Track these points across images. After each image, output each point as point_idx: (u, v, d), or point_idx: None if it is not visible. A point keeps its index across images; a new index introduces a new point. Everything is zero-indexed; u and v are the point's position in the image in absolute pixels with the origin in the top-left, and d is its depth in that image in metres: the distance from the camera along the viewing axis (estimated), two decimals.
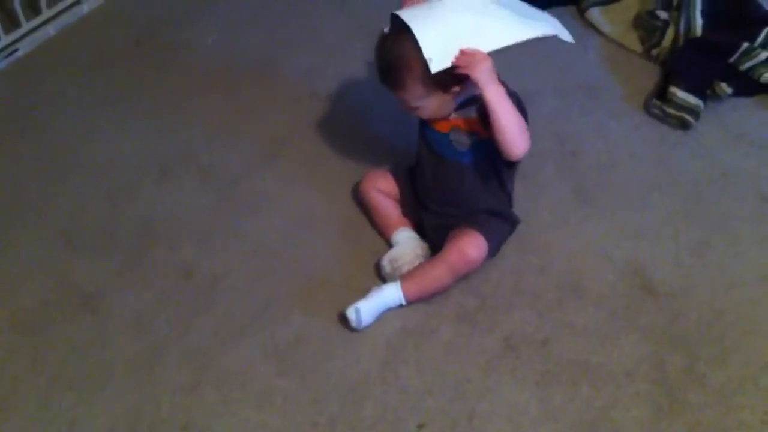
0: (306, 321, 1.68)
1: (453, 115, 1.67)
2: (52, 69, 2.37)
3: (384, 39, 1.61)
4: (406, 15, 1.55)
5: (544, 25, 1.65)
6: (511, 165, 1.72)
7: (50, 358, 1.65)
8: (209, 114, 2.19)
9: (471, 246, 1.67)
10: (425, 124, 1.72)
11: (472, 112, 1.65)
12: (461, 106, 1.66)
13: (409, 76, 1.57)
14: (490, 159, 1.69)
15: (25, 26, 2.38)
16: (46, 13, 2.43)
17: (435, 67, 1.52)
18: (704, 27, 2.23)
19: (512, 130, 1.58)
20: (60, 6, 2.47)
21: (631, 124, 2.11)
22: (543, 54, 2.34)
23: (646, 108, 2.14)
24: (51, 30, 2.45)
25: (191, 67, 2.36)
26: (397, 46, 1.56)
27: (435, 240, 1.77)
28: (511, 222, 1.79)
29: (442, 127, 1.68)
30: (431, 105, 1.63)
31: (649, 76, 2.25)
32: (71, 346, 1.67)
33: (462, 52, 1.53)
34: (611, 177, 1.97)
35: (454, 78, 1.57)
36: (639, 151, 2.04)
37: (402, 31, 1.54)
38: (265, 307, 1.71)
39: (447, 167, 1.72)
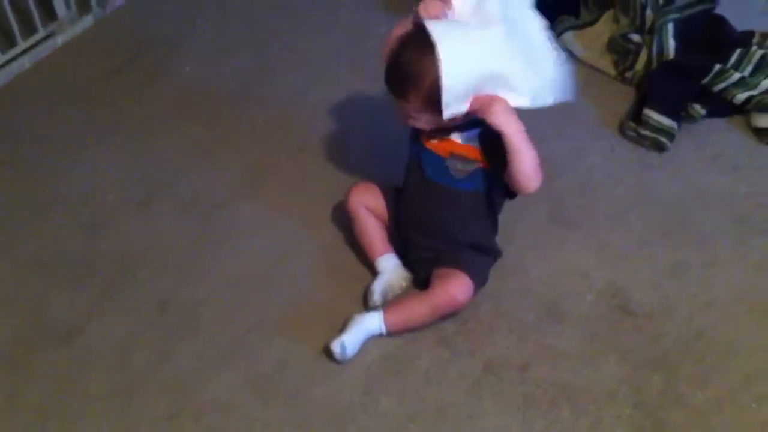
0: (287, 349, 1.67)
1: (455, 137, 1.63)
2: (27, 102, 2.35)
3: (406, 45, 1.55)
4: (438, 34, 1.48)
5: (558, 88, 1.63)
6: (511, 196, 1.71)
7: (28, 391, 1.63)
8: (189, 143, 2.19)
9: (459, 289, 1.66)
10: (421, 146, 1.68)
11: (473, 137, 1.63)
12: (461, 128, 1.63)
13: (415, 91, 1.53)
14: (487, 189, 1.68)
15: (0, 58, 2.37)
16: (21, 45, 2.42)
17: (448, 114, 1.51)
18: (677, 49, 2.26)
19: (530, 170, 1.59)
20: (35, 38, 2.46)
21: (607, 146, 2.13)
22: None
23: (621, 130, 2.16)
24: (26, 62, 2.44)
25: (170, 96, 2.36)
26: (416, 60, 1.51)
27: (418, 271, 1.77)
28: (495, 255, 1.79)
29: (440, 150, 1.65)
30: (426, 119, 1.59)
31: (623, 98, 2.27)
32: (49, 378, 1.65)
33: (476, 98, 1.51)
34: (588, 199, 1.99)
35: None
36: (615, 172, 2.05)
37: (426, 46, 1.48)
38: (246, 335, 1.70)
39: (439, 194, 1.68)
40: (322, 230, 1.92)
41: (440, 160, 1.66)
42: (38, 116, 2.30)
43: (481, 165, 1.64)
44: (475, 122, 1.61)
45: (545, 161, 2.06)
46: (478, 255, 1.73)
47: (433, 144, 1.66)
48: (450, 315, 1.70)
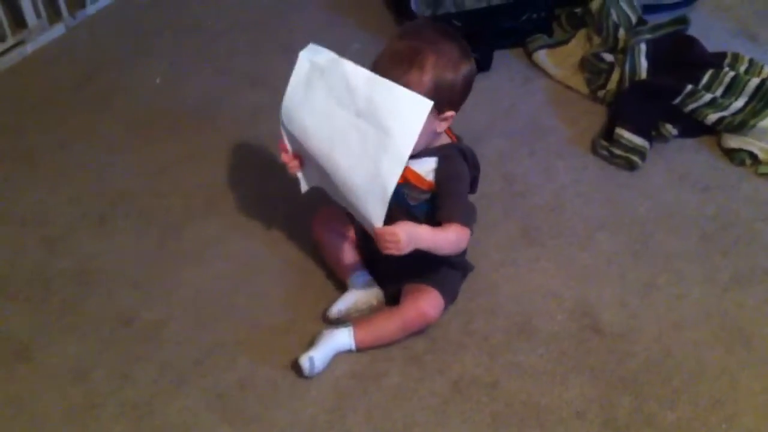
0: (251, 367, 1.64)
1: (411, 164, 1.60)
2: None
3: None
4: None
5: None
6: None
7: None
8: (150, 158, 2.15)
9: (429, 305, 1.65)
10: None
11: (429, 170, 1.62)
12: (417, 156, 1.60)
13: (418, 83, 1.50)
14: None
15: None
16: None
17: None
18: (649, 69, 2.27)
19: (452, 250, 1.63)
20: (3, 46, 2.42)
21: (579, 164, 2.13)
22: (490, 95, 2.36)
23: (593, 149, 2.16)
24: None
25: (132, 111, 2.32)
26: (417, 53, 1.52)
27: (388, 287, 1.75)
28: (465, 271, 1.78)
29: None
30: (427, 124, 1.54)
31: (595, 117, 2.27)
32: (4, 397, 1.60)
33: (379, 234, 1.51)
34: (559, 217, 1.98)
35: (452, 102, 1.57)
36: (586, 191, 2.05)
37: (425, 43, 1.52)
38: (208, 354, 1.67)
39: (398, 216, 1.63)
40: (285, 248, 1.89)
41: (396, 185, 1.63)
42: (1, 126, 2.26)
43: (434, 192, 1.64)
44: (432, 151, 1.62)
45: (516, 178, 2.08)
46: (448, 270, 1.72)
47: None
48: (420, 331, 1.68)
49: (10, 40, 2.44)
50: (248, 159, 2.14)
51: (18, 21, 2.49)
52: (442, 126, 1.60)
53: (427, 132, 1.56)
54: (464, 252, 1.76)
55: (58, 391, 1.61)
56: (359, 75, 1.50)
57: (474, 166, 1.69)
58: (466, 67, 1.59)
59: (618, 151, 2.11)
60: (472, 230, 1.65)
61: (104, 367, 1.65)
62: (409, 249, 1.52)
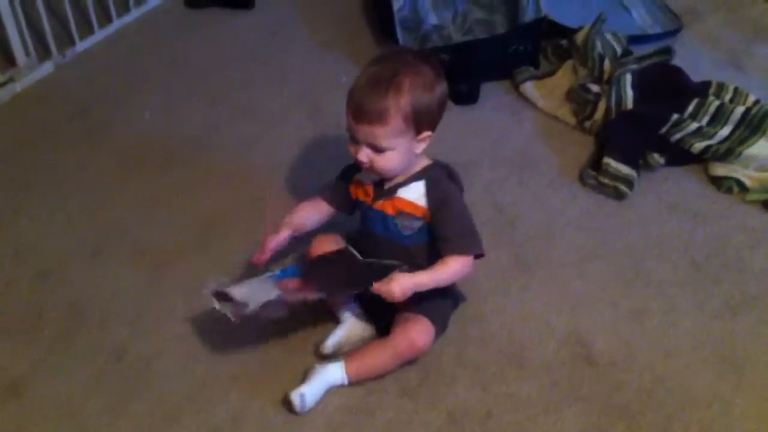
0: (244, 402, 1.63)
1: (402, 194, 1.63)
2: None
3: (379, 65, 1.57)
4: None
5: None
6: None
7: None
8: (142, 192, 2.15)
9: (420, 334, 1.64)
10: (365, 206, 1.69)
11: (421, 195, 1.63)
12: (405, 183, 1.63)
13: (396, 105, 1.52)
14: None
15: None
16: None
17: None
18: (635, 99, 2.29)
19: (455, 279, 1.67)
20: None
21: (568, 194, 2.15)
22: (478, 126, 2.38)
23: (581, 178, 2.17)
24: None
25: (124, 144, 2.32)
26: (393, 72, 1.53)
27: (379, 318, 1.74)
28: (456, 300, 1.78)
29: (388, 209, 1.65)
30: (401, 150, 1.57)
31: (583, 147, 2.29)
32: None
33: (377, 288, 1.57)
34: (549, 246, 1.99)
35: (430, 123, 1.58)
36: (576, 220, 2.06)
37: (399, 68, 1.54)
38: (201, 389, 1.66)
39: (390, 248, 1.67)
40: None
41: (388, 218, 1.66)
42: None
43: (427, 220, 1.64)
44: (417, 175, 1.63)
45: (506, 207, 2.09)
46: (439, 300, 1.71)
47: (380, 204, 1.66)
48: (412, 361, 1.67)
49: (0, 78, 2.45)
50: (241, 191, 2.14)
51: (7, 58, 2.50)
52: (420, 147, 1.61)
53: (407, 155, 1.59)
54: (454, 282, 1.77)
55: (49, 427, 1.60)
56: None
57: (459, 186, 1.71)
58: (441, 88, 1.60)
59: (606, 180, 2.12)
60: (479, 250, 1.65)
61: (96, 402, 1.64)
62: (406, 296, 1.57)
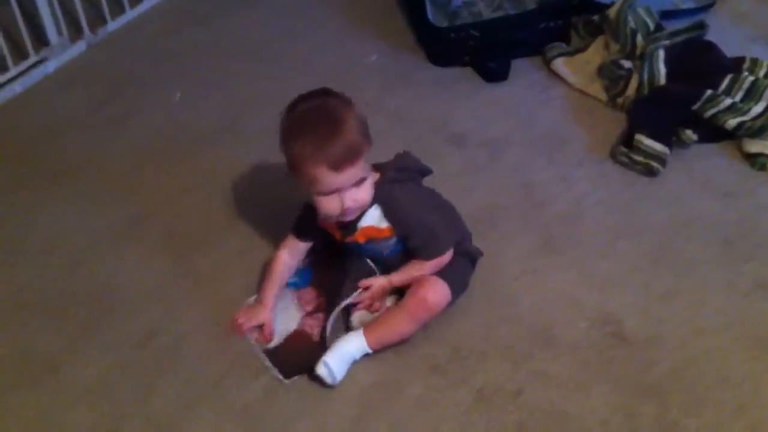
0: (273, 381, 1.65)
1: (363, 224, 1.65)
2: (12, 131, 2.34)
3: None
4: None
5: None
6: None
7: (7, 428, 1.60)
8: (169, 179, 2.16)
9: (432, 292, 1.66)
10: (337, 240, 1.71)
11: (378, 217, 1.65)
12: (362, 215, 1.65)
13: (357, 136, 1.54)
14: None
15: None
16: (12, 71, 2.42)
17: None
18: (667, 75, 2.27)
19: (431, 270, 1.69)
20: (25, 64, 2.46)
21: (597, 172, 2.13)
22: (508, 104, 2.37)
23: (613, 155, 2.16)
24: (17, 88, 2.43)
25: (152, 130, 2.33)
26: (330, 114, 1.55)
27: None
28: (472, 257, 1.78)
29: (357, 239, 1.67)
30: (368, 186, 1.59)
31: (614, 124, 2.27)
32: (28, 414, 1.62)
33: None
34: (579, 226, 1.98)
35: (368, 139, 1.59)
36: (605, 199, 2.05)
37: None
38: (231, 368, 1.68)
39: (378, 260, 1.73)
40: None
41: (363, 246, 1.69)
42: (15, 150, 2.28)
43: (396, 234, 1.67)
44: (376, 202, 1.63)
45: (535, 187, 2.08)
46: (454, 258, 1.72)
47: (350, 238, 1.68)
48: (429, 319, 1.68)
49: (33, 58, 2.47)
50: (267, 179, 2.14)
51: (40, 38, 2.52)
52: (367, 167, 1.60)
53: (366, 186, 1.60)
54: (469, 238, 1.79)
55: (82, 408, 1.62)
56: None
57: (414, 173, 1.72)
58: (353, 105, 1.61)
59: (638, 158, 2.11)
60: (444, 251, 1.69)
61: (127, 383, 1.67)
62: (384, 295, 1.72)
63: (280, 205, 2.02)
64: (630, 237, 1.94)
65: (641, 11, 2.47)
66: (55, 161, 2.23)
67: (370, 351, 1.65)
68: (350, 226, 1.66)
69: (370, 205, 1.63)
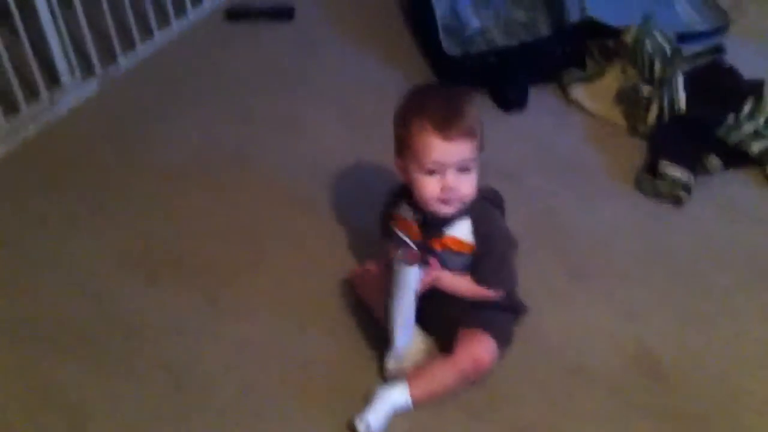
0: (307, 425, 1.61)
1: (448, 232, 1.60)
2: (29, 170, 2.29)
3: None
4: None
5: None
6: None
7: None
8: (190, 208, 2.13)
9: (484, 351, 1.61)
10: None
11: (467, 231, 1.60)
12: (451, 221, 1.60)
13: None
14: None
15: (4, 126, 2.33)
16: (25, 111, 2.39)
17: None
18: (688, 101, 2.25)
19: (479, 296, 1.64)
20: (38, 105, 2.43)
21: (622, 200, 2.11)
22: (527, 132, 2.35)
23: (638, 184, 2.13)
24: (31, 129, 2.40)
25: (169, 164, 2.28)
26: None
27: (438, 333, 1.71)
28: (517, 313, 1.74)
29: (432, 245, 1.61)
30: (472, 179, 1.55)
31: (635, 151, 2.25)
32: None
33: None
34: (606, 255, 1.95)
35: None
36: (631, 227, 2.03)
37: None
38: (262, 410, 1.63)
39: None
40: (332, 298, 1.85)
41: (435, 254, 1.62)
42: (36, 188, 2.22)
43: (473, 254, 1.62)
44: (463, 211, 1.59)
45: (559, 215, 2.05)
46: (500, 313, 1.69)
47: (426, 239, 1.62)
48: (476, 379, 1.64)
49: (45, 98, 2.44)
50: (291, 208, 2.11)
51: (52, 78, 2.49)
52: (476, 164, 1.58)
53: (471, 178, 1.56)
54: (514, 291, 1.74)
55: None
56: None
57: (502, 210, 1.69)
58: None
59: (663, 187, 2.08)
60: (505, 290, 1.66)
61: (156, 423, 1.62)
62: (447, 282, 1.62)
63: (305, 235, 2.01)
64: (660, 265, 1.92)
65: (658, 35, 2.45)
66: (73, 196, 2.18)
67: (411, 407, 1.60)
68: (436, 229, 1.61)
69: (463, 216, 1.59)
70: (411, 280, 1.55)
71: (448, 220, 1.59)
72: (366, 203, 1.98)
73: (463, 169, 1.53)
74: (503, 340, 1.67)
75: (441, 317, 1.69)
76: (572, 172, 2.21)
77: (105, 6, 2.57)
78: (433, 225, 1.61)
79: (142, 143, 2.37)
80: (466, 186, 1.54)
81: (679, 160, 2.10)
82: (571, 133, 2.35)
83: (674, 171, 2.08)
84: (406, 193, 1.63)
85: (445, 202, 1.55)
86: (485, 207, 1.62)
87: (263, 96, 2.56)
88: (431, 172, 1.53)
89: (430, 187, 1.54)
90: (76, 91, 2.53)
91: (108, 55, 2.64)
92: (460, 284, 1.63)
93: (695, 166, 2.11)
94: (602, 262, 1.94)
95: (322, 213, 2.09)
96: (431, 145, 1.50)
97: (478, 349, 1.61)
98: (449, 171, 1.52)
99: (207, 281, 1.93)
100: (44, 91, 2.44)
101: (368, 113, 2.43)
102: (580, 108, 2.43)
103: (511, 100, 2.44)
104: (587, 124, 2.38)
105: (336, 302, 1.85)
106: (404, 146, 1.56)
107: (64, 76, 2.50)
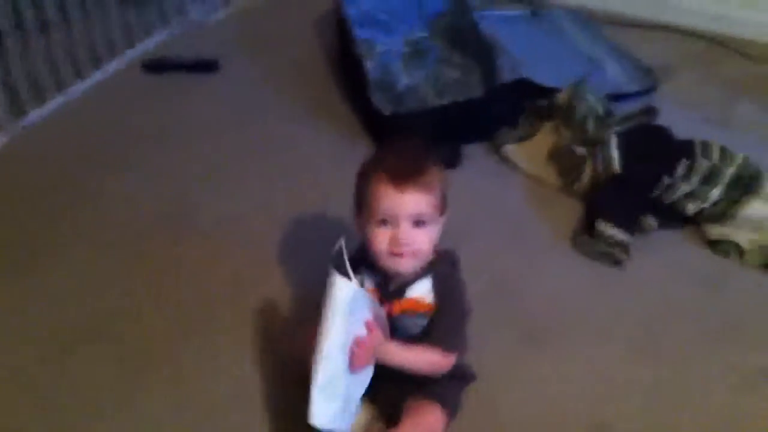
0: None
1: (409, 294, 1.52)
2: None
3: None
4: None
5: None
6: None
7: None
8: (122, 278, 1.97)
9: (435, 423, 1.52)
10: None
11: (427, 289, 1.52)
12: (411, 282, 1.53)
13: (437, 175, 1.50)
14: None
15: None
16: None
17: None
18: (621, 161, 2.24)
19: (432, 368, 1.53)
20: None
21: (566, 260, 2.07)
22: (464, 192, 2.23)
23: (575, 245, 2.10)
24: None
25: (91, 227, 2.13)
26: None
27: (383, 402, 1.60)
28: (466, 380, 1.66)
29: (391, 310, 1.53)
30: (435, 229, 1.51)
31: (572, 210, 2.22)
32: None
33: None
34: (555, 318, 1.89)
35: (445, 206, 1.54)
36: (579, 288, 1.98)
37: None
38: None
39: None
40: (267, 367, 1.75)
41: (392, 319, 1.53)
42: None
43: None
44: (424, 271, 1.52)
45: (506, 279, 1.99)
46: (448, 381, 1.59)
47: (386, 303, 1.53)
48: None
49: None
50: (224, 274, 1.99)
51: None
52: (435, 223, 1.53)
53: (435, 239, 1.52)
54: (463, 358, 1.65)
55: None
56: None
57: (456, 267, 1.62)
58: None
59: (601, 247, 2.05)
60: (459, 353, 1.56)
61: None
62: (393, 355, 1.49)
63: (240, 302, 1.87)
64: (610, 328, 1.86)
65: (590, 98, 2.45)
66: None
67: None
68: (394, 293, 1.53)
69: (423, 276, 1.52)
70: (346, 298, 1.41)
71: (408, 282, 1.52)
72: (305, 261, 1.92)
73: (417, 222, 1.47)
74: (451, 409, 1.58)
75: (385, 386, 1.58)
76: (514, 233, 2.16)
77: (15, 56, 2.42)
78: (392, 288, 1.53)
79: (58, 207, 2.20)
80: (421, 240, 1.48)
81: (615, 219, 2.08)
82: (509, 192, 2.31)
83: (612, 232, 2.06)
84: (362, 256, 1.54)
85: (397, 255, 1.48)
86: (447, 269, 1.56)
87: (194, 154, 2.42)
88: (384, 223, 1.47)
89: (380, 238, 1.48)
90: None
91: (17, 108, 2.47)
92: (409, 355, 1.52)
93: (632, 225, 2.10)
94: (553, 325, 1.87)
95: (258, 279, 1.97)
96: (384, 195, 1.46)
97: (428, 419, 1.52)
98: (402, 223, 1.46)
99: (134, 355, 1.78)
100: None
101: (307, 174, 2.34)
102: (515, 167, 2.40)
103: (444, 158, 2.37)
104: (524, 184, 2.34)
105: (274, 368, 1.73)
106: (361, 200, 1.51)
107: None
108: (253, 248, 2.06)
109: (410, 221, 1.47)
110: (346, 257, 1.43)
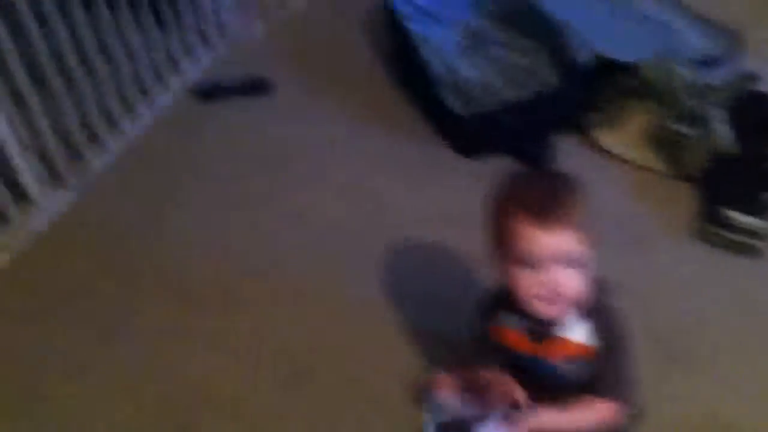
0: None
1: (568, 335, 1.36)
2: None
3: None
4: None
5: None
6: None
7: None
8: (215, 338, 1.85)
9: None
10: (519, 355, 1.41)
11: (589, 331, 1.36)
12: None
13: (581, 211, 1.31)
14: None
15: None
16: None
17: None
18: (731, 136, 2.07)
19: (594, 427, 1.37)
20: (10, 227, 2.11)
21: (689, 254, 1.92)
22: None
23: (702, 236, 1.94)
24: (5, 256, 2.09)
25: (173, 279, 1.99)
26: (568, 182, 1.35)
27: None
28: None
29: (549, 356, 1.38)
30: (581, 275, 1.31)
31: (682, 196, 2.07)
32: None
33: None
34: (695, 327, 1.75)
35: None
36: (711, 287, 1.83)
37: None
38: None
39: (554, 391, 1.40)
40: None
41: (554, 367, 1.38)
42: (18, 321, 1.91)
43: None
44: (583, 313, 1.36)
45: (631, 286, 1.82)
46: None
47: (539, 348, 1.38)
48: None
49: (17, 221, 2.13)
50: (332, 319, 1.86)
51: (20, 193, 2.17)
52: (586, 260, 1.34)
53: (580, 274, 1.32)
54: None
55: None
56: None
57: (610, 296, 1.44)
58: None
59: (733, 236, 1.89)
60: (631, 403, 1.39)
61: None
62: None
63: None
64: (758, 332, 1.72)
65: (679, 68, 2.26)
66: (70, 334, 1.87)
67: None
68: (546, 336, 1.37)
69: (581, 318, 1.35)
70: None
71: (563, 324, 1.36)
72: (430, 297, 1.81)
73: (566, 263, 1.29)
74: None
75: None
76: (624, 228, 2.00)
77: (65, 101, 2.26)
78: (544, 331, 1.37)
79: (130, 263, 2.05)
80: (571, 283, 1.30)
81: (742, 205, 1.93)
82: (611, 185, 2.15)
83: (742, 218, 1.91)
84: (505, 298, 1.38)
85: (546, 300, 1.32)
86: (605, 306, 1.39)
87: (259, 185, 2.26)
88: (527, 266, 1.30)
89: (524, 282, 1.31)
90: (48, 204, 2.21)
91: (77, 160, 2.33)
92: (572, 417, 1.37)
93: (762, 209, 1.93)
94: (693, 337, 1.73)
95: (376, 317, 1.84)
96: (526, 235, 1.28)
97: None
98: (550, 265, 1.29)
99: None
100: (16, 215, 2.13)
101: (387, 193, 2.20)
102: (610, 155, 2.24)
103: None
104: (625, 173, 2.19)
105: None
106: (498, 238, 1.34)
107: (32, 190, 2.19)
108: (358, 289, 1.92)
109: (559, 263, 1.30)
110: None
